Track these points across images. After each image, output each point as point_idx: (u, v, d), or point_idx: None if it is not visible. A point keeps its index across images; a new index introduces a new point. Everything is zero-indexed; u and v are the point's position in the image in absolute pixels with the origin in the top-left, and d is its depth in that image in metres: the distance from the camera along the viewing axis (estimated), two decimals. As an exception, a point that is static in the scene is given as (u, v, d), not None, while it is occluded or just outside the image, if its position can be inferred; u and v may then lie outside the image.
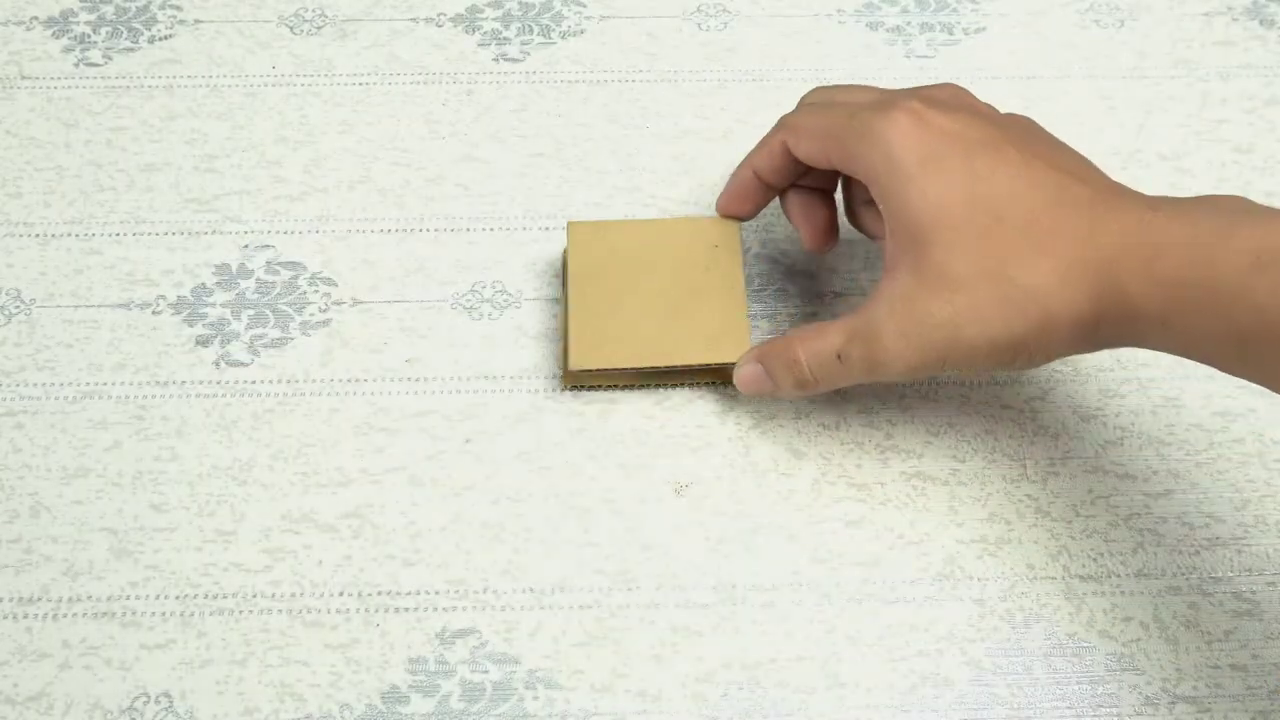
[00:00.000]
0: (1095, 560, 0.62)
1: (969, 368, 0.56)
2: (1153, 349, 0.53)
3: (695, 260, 0.67)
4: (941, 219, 0.55)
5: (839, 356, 0.58)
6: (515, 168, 0.75)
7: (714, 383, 0.67)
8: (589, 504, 0.63)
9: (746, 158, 0.66)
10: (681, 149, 0.77)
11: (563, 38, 0.82)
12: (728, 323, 0.65)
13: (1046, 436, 0.65)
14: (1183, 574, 0.61)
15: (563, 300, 0.69)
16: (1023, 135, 0.58)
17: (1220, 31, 0.83)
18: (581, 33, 0.82)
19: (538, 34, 0.82)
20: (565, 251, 0.69)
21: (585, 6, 0.84)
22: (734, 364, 0.64)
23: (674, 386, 0.67)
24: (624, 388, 0.66)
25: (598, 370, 0.65)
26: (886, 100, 0.59)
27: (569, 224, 0.68)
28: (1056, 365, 0.67)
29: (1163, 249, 0.51)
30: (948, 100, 0.60)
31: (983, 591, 0.61)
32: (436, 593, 0.60)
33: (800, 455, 0.64)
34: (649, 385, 0.66)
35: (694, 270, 0.67)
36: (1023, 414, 0.66)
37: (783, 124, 0.64)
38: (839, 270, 0.72)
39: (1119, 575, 0.61)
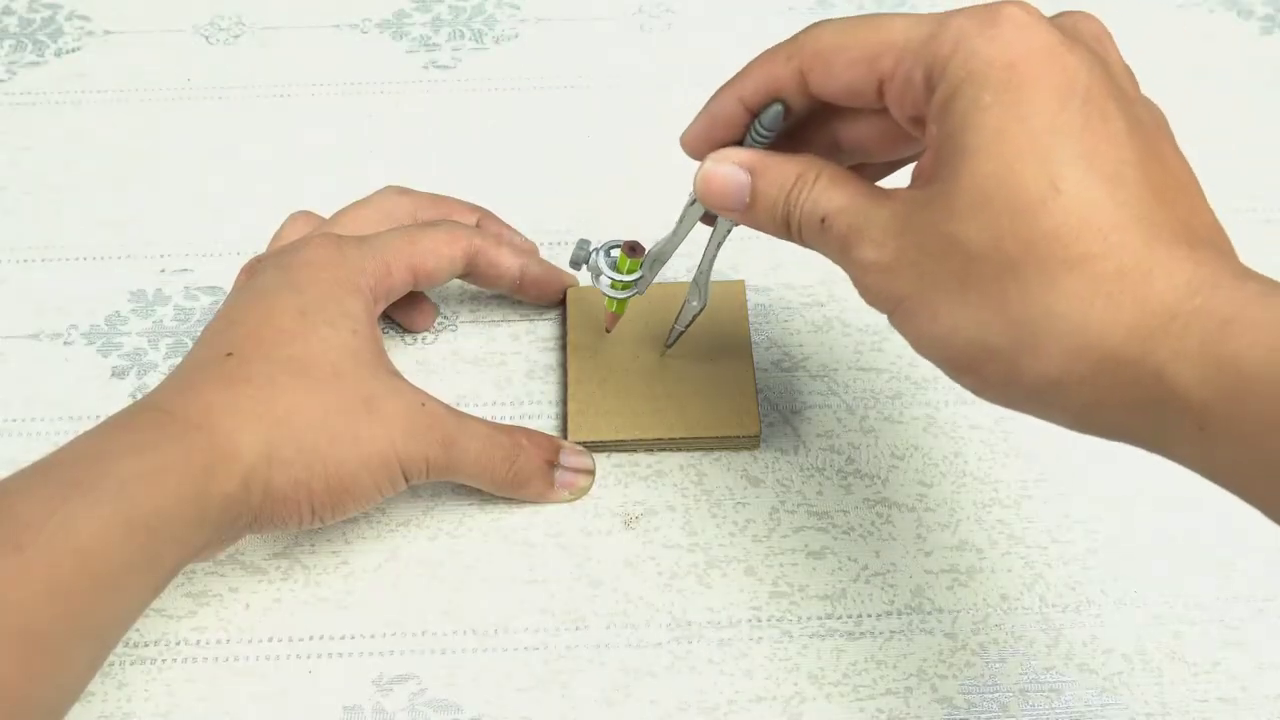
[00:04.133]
0: (1073, 589, 0.60)
1: (916, 341, 0.47)
2: (1166, 454, 0.43)
3: (699, 326, 0.65)
4: (1002, 154, 0.44)
5: (823, 221, 0.49)
6: (449, 182, 0.73)
7: (719, 451, 0.64)
8: (533, 538, 0.61)
9: (730, 85, 0.53)
10: (627, 159, 0.76)
11: (496, 43, 0.81)
12: (735, 392, 0.64)
13: (1018, 458, 0.64)
14: (1166, 602, 0.59)
15: (562, 366, 0.67)
16: (1148, 126, 0.46)
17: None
18: (516, 37, 0.81)
19: (470, 39, 0.81)
20: (564, 317, 0.68)
21: (519, 9, 0.82)
22: (740, 435, 0.63)
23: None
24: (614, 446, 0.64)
25: (596, 441, 0.63)
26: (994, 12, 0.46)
27: (568, 290, 0.68)
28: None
29: (1239, 323, 0.40)
30: (1089, 37, 0.47)
31: (954, 625, 0.59)
32: (372, 636, 0.58)
33: (757, 482, 0.62)
34: (651, 450, 0.64)
35: (698, 337, 0.65)
36: (993, 434, 0.64)
37: (798, 46, 0.50)
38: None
39: (1098, 605, 0.59)
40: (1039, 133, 0.43)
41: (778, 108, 0.50)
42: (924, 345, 0.46)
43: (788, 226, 0.50)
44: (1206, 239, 0.44)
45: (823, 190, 0.49)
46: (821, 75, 0.49)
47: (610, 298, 0.63)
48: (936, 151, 0.46)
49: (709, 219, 0.58)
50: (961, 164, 0.44)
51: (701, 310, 0.63)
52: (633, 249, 0.60)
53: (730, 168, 0.51)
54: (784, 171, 0.50)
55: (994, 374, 0.45)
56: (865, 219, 0.47)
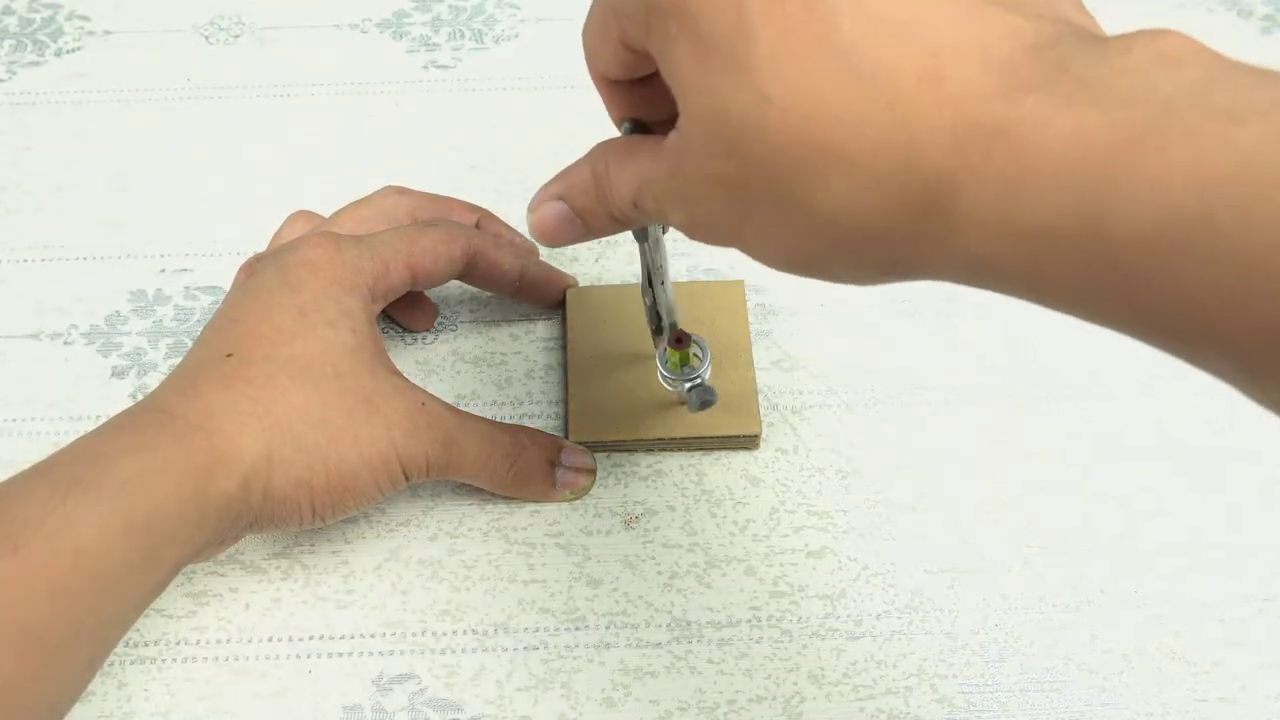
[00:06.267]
0: (1073, 589, 0.59)
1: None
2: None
3: (698, 326, 0.64)
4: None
5: (635, 206, 0.46)
6: (448, 182, 0.73)
7: (719, 451, 0.64)
8: (533, 538, 0.60)
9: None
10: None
11: (496, 43, 0.80)
12: (735, 392, 0.63)
13: (1019, 458, 0.63)
14: (1166, 602, 0.59)
15: (562, 366, 0.67)
16: None
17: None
18: (516, 37, 0.81)
19: (470, 39, 0.80)
20: (564, 318, 0.68)
21: (519, 9, 0.82)
22: (741, 435, 0.63)
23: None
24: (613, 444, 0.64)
25: (597, 441, 0.63)
26: None
27: (568, 291, 0.67)
28: (1031, 382, 0.65)
29: (1027, 183, 0.34)
30: None
31: (954, 625, 0.58)
32: (372, 636, 0.58)
33: (757, 482, 0.62)
34: (651, 450, 0.64)
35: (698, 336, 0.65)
36: (993, 434, 0.64)
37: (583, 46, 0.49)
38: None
39: (1098, 605, 0.59)
40: (724, 42, 0.38)
41: (626, 127, 0.49)
42: (777, 268, 0.42)
43: (621, 223, 0.49)
44: (959, 45, 0.36)
45: (616, 176, 0.47)
46: (594, 63, 0.48)
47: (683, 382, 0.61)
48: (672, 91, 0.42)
49: (640, 234, 0.55)
50: (682, 104, 0.40)
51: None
52: (679, 340, 0.59)
53: (546, 206, 0.51)
54: (581, 179, 0.49)
55: (843, 272, 0.41)
56: (658, 185, 0.44)
